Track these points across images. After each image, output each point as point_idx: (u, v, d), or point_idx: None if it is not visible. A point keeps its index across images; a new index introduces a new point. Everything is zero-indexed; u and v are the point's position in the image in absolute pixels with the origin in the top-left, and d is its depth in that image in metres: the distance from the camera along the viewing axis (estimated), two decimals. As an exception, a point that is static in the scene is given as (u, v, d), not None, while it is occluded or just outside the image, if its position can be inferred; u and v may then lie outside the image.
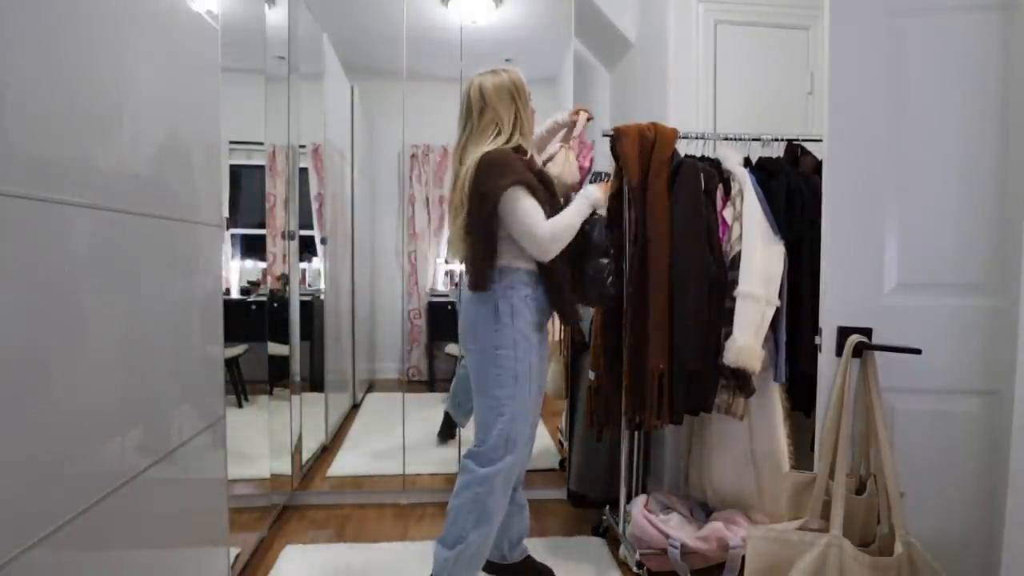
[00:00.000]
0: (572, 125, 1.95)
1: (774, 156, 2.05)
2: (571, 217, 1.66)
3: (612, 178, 1.98)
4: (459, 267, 2.45)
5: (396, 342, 3.24)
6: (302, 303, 2.54)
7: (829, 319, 1.44)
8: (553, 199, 1.70)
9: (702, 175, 1.90)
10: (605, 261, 1.73)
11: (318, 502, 2.50)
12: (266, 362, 2.23)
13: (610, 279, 1.73)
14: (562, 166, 1.82)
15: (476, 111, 1.67)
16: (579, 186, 1.88)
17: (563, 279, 1.69)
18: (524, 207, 1.59)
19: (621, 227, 1.96)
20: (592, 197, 1.73)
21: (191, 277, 1.44)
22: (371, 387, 3.54)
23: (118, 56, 1.13)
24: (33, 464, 0.91)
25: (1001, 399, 1.36)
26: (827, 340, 1.44)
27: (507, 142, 1.66)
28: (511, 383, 1.65)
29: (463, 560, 1.65)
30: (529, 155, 1.69)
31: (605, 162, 2.30)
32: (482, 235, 1.62)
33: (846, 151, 1.43)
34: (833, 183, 1.44)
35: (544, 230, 1.60)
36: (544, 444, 2.84)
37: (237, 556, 1.86)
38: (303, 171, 2.59)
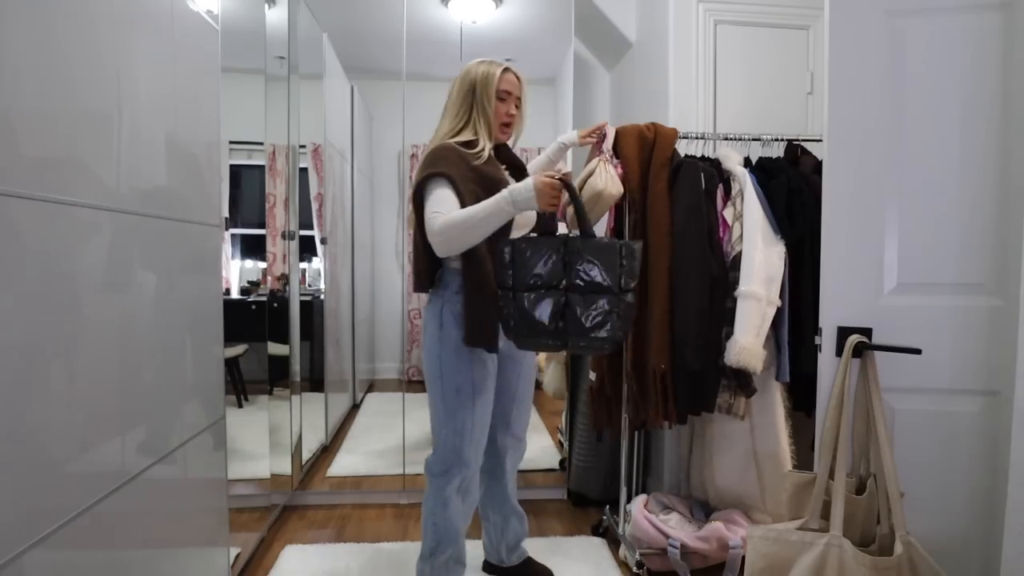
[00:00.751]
0: (601, 139, 1.88)
1: (774, 156, 2.05)
2: (473, 212, 1.41)
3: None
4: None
5: (396, 342, 3.24)
6: (302, 303, 2.54)
7: (829, 319, 1.44)
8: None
9: (702, 175, 1.90)
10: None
11: (318, 502, 2.50)
12: (266, 362, 2.23)
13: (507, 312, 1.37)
14: (606, 179, 1.75)
15: (447, 99, 1.64)
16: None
17: (475, 290, 1.49)
18: (433, 196, 1.47)
19: (621, 228, 1.96)
20: (519, 195, 1.38)
21: (191, 277, 1.44)
22: (371, 387, 3.54)
23: (119, 56, 1.13)
24: (33, 464, 0.91)
25: (1001, 399, 1.36)
26: (827, 340, 1.44)
27: (453, 135, 1.57)
28: (452, 395, 1.55)
29: (437, 567, 1.67)
30: (480, 148, 1.54)
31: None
32: (418, 230, 1.55)
33: (846, 151, 1.43)
34: (833, 183, 1.44)
35: (436, 220, 1.43)
36: (544, 444, 2.83)
37: (237, 556, 1.86)
38: (303, 171, 2.59)
